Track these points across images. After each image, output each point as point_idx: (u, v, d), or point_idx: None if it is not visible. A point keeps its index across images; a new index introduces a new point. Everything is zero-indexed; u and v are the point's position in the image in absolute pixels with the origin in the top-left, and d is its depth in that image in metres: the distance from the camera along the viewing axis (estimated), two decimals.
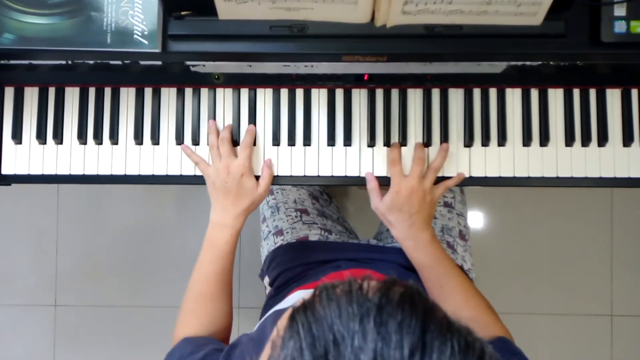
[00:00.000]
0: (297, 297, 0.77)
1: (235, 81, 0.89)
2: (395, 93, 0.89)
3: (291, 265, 0.97)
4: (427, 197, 0.83)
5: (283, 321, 0.39)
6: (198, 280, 0.83)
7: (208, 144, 0.88)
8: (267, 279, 1.02)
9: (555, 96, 0.88)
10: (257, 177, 0.86)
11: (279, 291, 0.96)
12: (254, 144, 0.87)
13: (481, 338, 0.37)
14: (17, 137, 0.89)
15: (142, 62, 0.82)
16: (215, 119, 0.89)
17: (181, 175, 0.89)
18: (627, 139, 0.87)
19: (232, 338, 0.74)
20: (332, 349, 0.34)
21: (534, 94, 0.88)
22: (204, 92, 0.89)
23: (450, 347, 0.34)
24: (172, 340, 0.81)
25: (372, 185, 0.85)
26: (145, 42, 0.76)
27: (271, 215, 1.07)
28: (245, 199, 0.83)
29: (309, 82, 0.88)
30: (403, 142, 0.88)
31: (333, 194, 1.24)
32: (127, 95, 0.89)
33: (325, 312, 0.36)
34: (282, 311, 0.70)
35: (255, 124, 0.89)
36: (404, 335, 0.34)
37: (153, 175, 0.89)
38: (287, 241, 1.02)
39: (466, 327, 0.37)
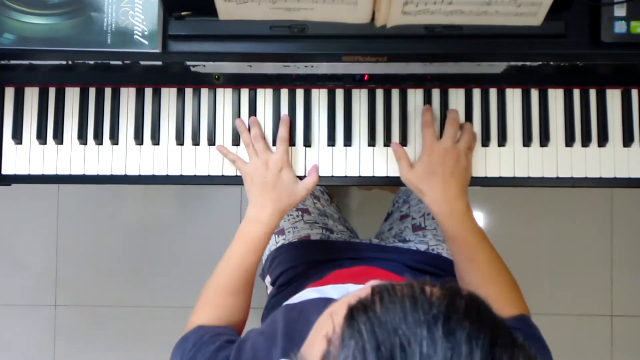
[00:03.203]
0: (308, 294, 0.75)
1: (235, 81, 0.89)
2: (395, 93, 0.89)
3: (293, 264, 0.97)
4: (461, 160, 0.81)
5: (338, 318, 0.37)
6: (223, 271, 0.82)
7: (243, 143, 0.87)
8: (268, 279, 1.02)
9: (556, 96, 0.88)
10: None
11: (281, 290, 0.96)
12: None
13: (537, 353, 0.37)
14: (17, 137, 0.89)
15: (142, 63, 0.83)
16: (215, 119, 0.89)
17: (181, 176, 0.89)
18: (627, 139, 0.87)
19: None
20: (399, 354, 0.34)
21: (534, 94, 0.88)
22: (204, 92, 0.89)
23: None
24: (187, 325, 0.80)
25: (400, 154, 0.84)
26: (146, 42, 0.76)
27: None
28: (285, 196, 0.82)
29: (309, 82, 0.88)
30: (403, 142, 0.88)
31: (334, 194, 1.23)
32: (128, 96, 0.89)
33: (388, 314, 0.35)
34: (292, 305, 0.69)
35: None
36: (474, 348, 0.34)
37: (153, 176, 0.89)
38: (289, 240, 1.02)
39: (526, 342, 0.36)
